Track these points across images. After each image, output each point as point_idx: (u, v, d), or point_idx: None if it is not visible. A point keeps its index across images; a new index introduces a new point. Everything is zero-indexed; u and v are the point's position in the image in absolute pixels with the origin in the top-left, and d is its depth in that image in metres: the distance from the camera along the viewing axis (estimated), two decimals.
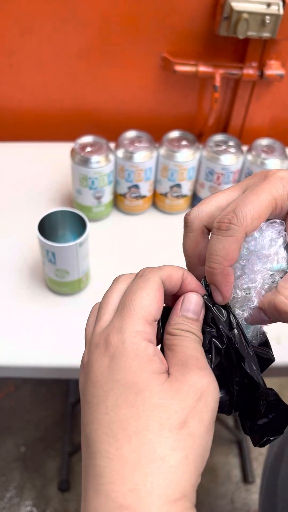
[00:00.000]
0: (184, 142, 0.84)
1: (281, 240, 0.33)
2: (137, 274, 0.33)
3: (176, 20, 0.90)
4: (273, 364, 0.70)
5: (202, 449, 0.27)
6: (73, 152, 0.81)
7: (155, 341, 0.30)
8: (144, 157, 0.82)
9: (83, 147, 0.80)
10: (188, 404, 0.27)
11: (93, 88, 0.99)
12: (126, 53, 0.95)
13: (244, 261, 0.33)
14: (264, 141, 0.87)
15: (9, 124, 1.05)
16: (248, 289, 0.33)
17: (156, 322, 0.31)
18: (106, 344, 0.29)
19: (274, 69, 0.95)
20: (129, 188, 0.85)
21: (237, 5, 0.84)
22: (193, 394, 0.27)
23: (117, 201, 0.90)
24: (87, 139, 0.82)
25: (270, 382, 1.54)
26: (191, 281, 0.33)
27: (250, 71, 0.95)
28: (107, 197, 0.85)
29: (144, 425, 0.26)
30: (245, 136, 1.05)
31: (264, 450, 1.38)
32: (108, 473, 0.25)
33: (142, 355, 0.28)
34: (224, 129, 1.07)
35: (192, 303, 0.32)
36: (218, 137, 0.86)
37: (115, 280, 0.34)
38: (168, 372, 0.29)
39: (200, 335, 0.32)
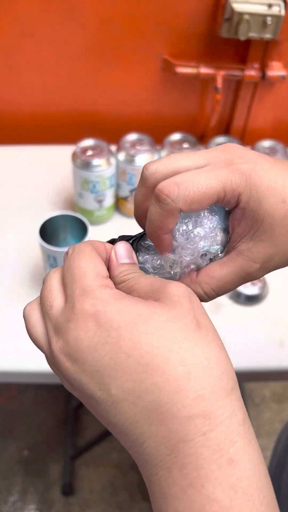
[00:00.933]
0: (185, 145, 0.84)
1: (218, 226, 0.34)
2: (66, 255, 0.31)
3: (177, 22, 0.89)
4: (277, 367, 0.70)
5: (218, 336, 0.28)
6: (74, 155, 0.80)
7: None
8: (146, 160, 0.81)
9: (84, 150, 0.80)
10: (187, 308, 0.27)
11: (94, 90, 0.99)
12: (127, 55, 0.94)
13: (180, 234, 0.34)
14: (266, 143, 0.86)
15: (9, 127, 1.04)
16: (176, 263, 0.34)
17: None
18: (80, 315, 0.26)
19: (276, 70, 0.94)
20: (131, 191, 0.85)
21: (238, 7, 0.83)
22: (184, 299, 0.27)
23: (119, 205, 0.89)
24: (88, 142, 0.81)
25: (274, 385, 1.54)
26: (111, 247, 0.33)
27: (251, 72, 0.94)
28: (109, 201, 0.85)
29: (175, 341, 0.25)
30: (247, 137, 1.04)
31: (269, 453, 1.38)
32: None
33: (122, 298, 0.27)
34: (226, 130, 1.06)
35: (123, 250, 0.33)
36: (220, 139, 0.86)
37: (46, 278, 0.31)
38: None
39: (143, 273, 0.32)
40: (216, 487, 0.23)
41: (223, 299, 0.76)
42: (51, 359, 0.28)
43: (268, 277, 0.78)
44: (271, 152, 0.84)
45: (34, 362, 0.67)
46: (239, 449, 0.24)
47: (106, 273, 0.29)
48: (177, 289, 0.27)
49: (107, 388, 0.25)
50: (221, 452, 0.23)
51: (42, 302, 0.30)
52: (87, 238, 0.68)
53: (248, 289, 0.76)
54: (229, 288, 0.35)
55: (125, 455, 1.38)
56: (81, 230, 0.71)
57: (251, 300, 0.75)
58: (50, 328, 0.28)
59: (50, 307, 0.29)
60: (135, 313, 0.26)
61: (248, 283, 0.76)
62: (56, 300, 0.29)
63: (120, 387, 0.25)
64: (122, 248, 0.33)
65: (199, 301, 0.28)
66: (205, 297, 0.34)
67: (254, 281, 0.77)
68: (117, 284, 0.30)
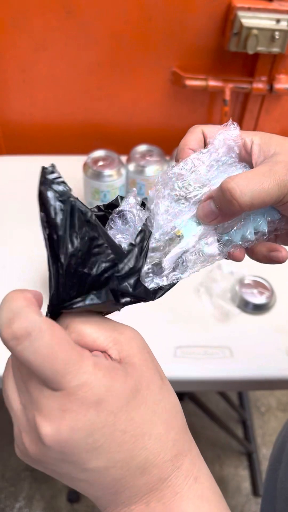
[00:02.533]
0: None
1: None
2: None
3: (187, 36, 0.92)
4: (284, 376, 0.70)
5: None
6: (85, 166, 0.82)
7: None
8: (155, 171, 0.83)
9: (95, 161, 0.82)
10: (152, 371, 0.30)
11: (105, 102, 1.01)
12: (137, 68, 0.96)
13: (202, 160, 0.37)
14: None
15: (22, 138, 1.07)
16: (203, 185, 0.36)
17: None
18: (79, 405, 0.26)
19: (283, 83, 0.96)
20: None
21: (247, 22, 0.85)
22: (144, 363, 0.30)
23: None
24: (99, 153, 0.83)
25: (279, 394, 1.54)
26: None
27: (259, 85, 0.96)
28: None
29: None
30: None
31: None
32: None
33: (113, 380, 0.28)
34: None
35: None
36: None
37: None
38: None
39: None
40: (189, 502, 0.29)
41: (231, 308, 0.77)
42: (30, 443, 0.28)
43: (276, 286, 0.79)
44: None
45: None
46: (201, 469, 0.31)
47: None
48: (135, 357, 0.29)
49: (93, 467, 0.27)
50: (189, 475, 0.29)
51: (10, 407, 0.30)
52: None
53: (256, 298, 0.77)
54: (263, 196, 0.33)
55: None
56: None
57: (259, 309, 0.76)
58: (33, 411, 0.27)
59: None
60: (123, 396, 0.27)
61: (256, 292, 0.78)
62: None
63: (111, 459, 0.27)
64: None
65: (148, 353, 0.31)
66: (237, 208, 0.33)
67: (262, 290, 0.78)
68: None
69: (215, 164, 0.38)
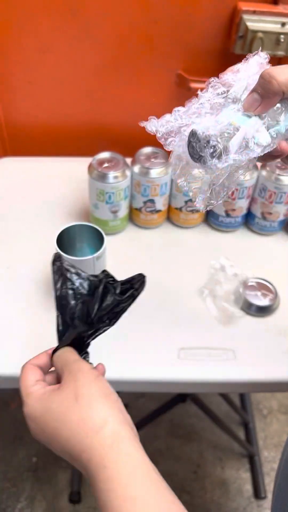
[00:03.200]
0: None
1: None
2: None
3: (192, 38, 0.92)
4: (286, 379, 0.70)
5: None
6: (90, 167, 0.82)
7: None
8: (160, 173, 0.83)
9: (101, 162, 0.82)
10: (71, 387, 0.41)
11: (110, 104, 1.01)
12: (142, 70, 0.97)
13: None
14: None
15: (27, 140, 1.07)
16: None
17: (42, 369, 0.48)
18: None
19: None
20: (145, 202, 0.87)
21: (252, 25, 0.86)
22: (70, 382, 0.42)
23: (133, 215, 0.91)
24: (104, 155, 0.84)
25: (281, 396, 1.54)
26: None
27: None
28: (123, 211, 0.87)
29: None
30: None
31: (274, 471, 1.37)
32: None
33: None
34: None
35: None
36: None
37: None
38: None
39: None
40: (101, 482, 0.37)
41: (235, 310, 0.77)
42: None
43: (280, 289, 0.79)
44: (282, 165, 0.86)
45: None
46: (109, 459, 0.38)
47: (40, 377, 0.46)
48: (68, 377, 0.42)
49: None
50: (98, 466, 0.37)
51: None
52: (103, 248, 0.70)
53: (259, 300, 0.77)
54: None
55: None
56: (97, 240, 0.73)
57: (263, 311, 0.77)
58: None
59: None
60: (41, 407, 0.42)
61: (260, 294, 0.78)
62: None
63: (56, 446, 0.41)
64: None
65: (85, 375, 0.42)
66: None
67: (266, 292, 0.78)
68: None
69: (251, 77, 0.46)
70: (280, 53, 0.89)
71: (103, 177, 0.81)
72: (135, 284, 0.47)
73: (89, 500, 1.31)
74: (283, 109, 0.44)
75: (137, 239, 0.90)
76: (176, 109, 0.48)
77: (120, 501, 0.35)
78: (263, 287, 0.79)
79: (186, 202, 0.88)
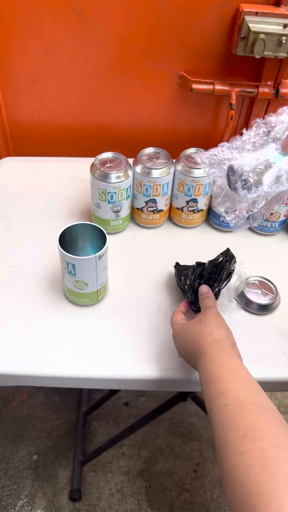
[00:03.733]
0: None
1: None
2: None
3: (194, 40, 0.93)
4: (286, 378, 0.71)
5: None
6: (93, 167, 0.83)
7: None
8: (162, 173, 0.84)
9: (103, 162, 0.83)
10: (199, 316, 0.64)
11: (112, 105, 1.02)
12: (145, 71, 0.98)
13: None
14: None
15: (30, 140, 1.08)
16: None
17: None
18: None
19: None
20: (147, 202, 0.88)
21: (254, 26, 0.86)
22: (200, 314, 0.65)
23: (135, 215, 0.92)
24: (107, 155, 0.84)
25: (281, 396, 1.54)
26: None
27: (265, 89, 0.97)
28: (125, 211, 0.88)
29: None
30: None
31: None
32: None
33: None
34: None
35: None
36: None
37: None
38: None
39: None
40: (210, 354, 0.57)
41: (235, 308, 0.78)
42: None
43: (280, 287, 0.80)
44: None
45: (48, 366, 0.69)
46: (211, 349, 0.57)
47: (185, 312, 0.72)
48: (202, 313, 0.66)
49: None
50: (221, 350, 0.57)
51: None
52: (105, 247, 0.70)
53: (260, 298, 0.78)
54: None
55: (133, 462, 1.39)
56: (99, 239, 0.73)
57: (263, 309, 0.77)
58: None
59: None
60: (182, 328, 0.66)
61: (260, 292, 0.79)
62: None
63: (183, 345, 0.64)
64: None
65: (210, 311, 0.65)
66: None
67: (266, 291, 0.79)
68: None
69: None
70: (282, 54, 0.89)
71: (105, 177, 0.81)
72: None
73: (89, 497, 1.32)
74: None
75: (138, 239, 0.91)
76: (221, 144, 0.55)
77: (212, 366, 0.54)
78: (263, 285, 0.80)
79: (187, 202, 0.89)
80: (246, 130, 0.56)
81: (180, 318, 0.68)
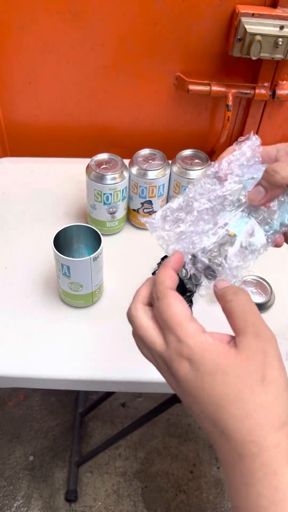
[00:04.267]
0: (196, 160, 0.86)
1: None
2: (154, 299, 0.39)
3: (191, 41, 0.93)
4: None
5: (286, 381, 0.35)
6: (88, 168, 0.83)
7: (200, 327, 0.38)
8: (158, 174, 0.84)
9: (99, 164, 0.83)
10: (259, 363, 0.34)
11: (108, 106, 1.02)
12: (141, 72, 0.97)
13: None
14: None
15: (27, 140, 1.08)
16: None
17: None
18: (176, 357, 0.36)
19: (286, 89, 0.97)
20: (142, 203, 0.87)
21: (250, 28, 0.86)
22: (258, 355, 0.35)
23: (130, 216, 0.92)
24: (103, 156, 0.84)
25: None
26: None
27: (262, 91, 0.97)
28: (121, 212, 0.87)
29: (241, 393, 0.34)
30: None
31: None
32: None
33: (206, 351, 0.35)
34: None
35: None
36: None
37: (136, 316, 0.42)
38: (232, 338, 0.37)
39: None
40: (264, 487, 0.32)
41: None
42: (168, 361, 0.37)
43: (275, 286, 0.80)
44: None
45: (43, 368, 0.69)
46: (281, 466, 0.32)
47: (189, 316, 0.38)
48: (256, 344, 0.35)
49: (191, 406, 0.36)
50: (266, 467, 0.32)
51: (143, 339, 0.40)
52: (100, 249, 0.70)
53: (254, 297, 0.78)
54: None
55: (130, 463, 1.39)
56: (94, 240, 0.73)
57: (258, 308, 0.77)
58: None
59: (152, 344, 0.38)
60: (214, 364, 0.35)
61: (255, 291, 0.79)
62: (157, 340, 0.38)
63: (202, 410, 0.35)
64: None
65: (274, 353, 0.35)
66: None
67: (261, 290, 0.79)
68: (225, 301, 0.39)
69: (245, 164, 0.48)
70: (279, 56, 0.89)
71: (101, 178, 0.81)
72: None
73: (85, 498, 1.32)
74: (278, 207, 0.47)
75: (134, 240, 0.90)
76: (168, 206, 0.47)
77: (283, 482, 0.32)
78: (258, 284, 0.80)
79: None
80: (192, 185, 0.48)
81: (200, 333, 0.37)
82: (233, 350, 0.35)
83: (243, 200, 0.46)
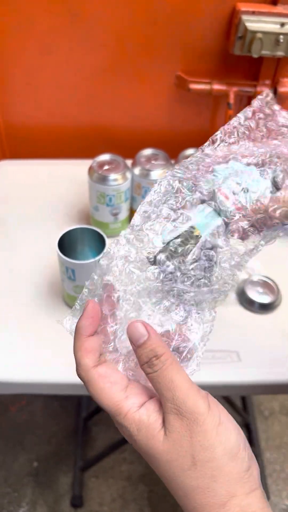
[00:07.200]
0: None
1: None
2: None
3: (191, 40, 0.92)
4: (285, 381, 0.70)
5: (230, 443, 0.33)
6: (91, 169, 0.82)
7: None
8: (161, 174, 0.83)
9: (101, 165, 0.82)
10: (186, 445, 0.33)
11: (110, 106, 1.01)
12: (142, 72, 0.97)
13: None
14: None
15: (26, 142, 1.07)
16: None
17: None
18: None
19: (287, 86, 0.96)
20: None
21: (251, 25, 0.85)
22: (184, 435, 0.33)
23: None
24: (105, 157, 0.83)
25: (283, 398, 1.53)
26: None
27: (263, 88, 0.96)
28: (124, 214, 0.86)
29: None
30: None
31: (279, 467, 1.37)
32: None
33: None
34: None
35: (131, 330, 0.35)
36: None
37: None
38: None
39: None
40: None
41: (237, 308, 0.77)
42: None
43: (282, 286, 0.79)
44: None
45: (46, 373, 0.68)
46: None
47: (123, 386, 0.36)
48: (180, 423, 0.33)
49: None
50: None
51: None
52: (104, 251, 0.69)
53: (261, 297, 0.77)
54: None
55: (135, 467, 1.38)
56: (98, 242, 0.72)
57: (265, 308, 0.77)
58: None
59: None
60: (148, 448, 0.34)
61: (262, 291, 0.78)
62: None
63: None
64: (129, 329, 0.36)
65: (201, 428, 0.33)
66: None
67: (267, 290, 0.78)
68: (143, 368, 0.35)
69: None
70: (280, 53, 0.88)
71: (103, 179, 0.80)
72: None
73: (91, 503, 1.31)
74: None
75: None
76: (131, 226, 0.39)
77: None
78: (265, 284, 0.79)
79: None
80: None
81: (136, 408, 0.34)
82: (161, 434, 0.33)
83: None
